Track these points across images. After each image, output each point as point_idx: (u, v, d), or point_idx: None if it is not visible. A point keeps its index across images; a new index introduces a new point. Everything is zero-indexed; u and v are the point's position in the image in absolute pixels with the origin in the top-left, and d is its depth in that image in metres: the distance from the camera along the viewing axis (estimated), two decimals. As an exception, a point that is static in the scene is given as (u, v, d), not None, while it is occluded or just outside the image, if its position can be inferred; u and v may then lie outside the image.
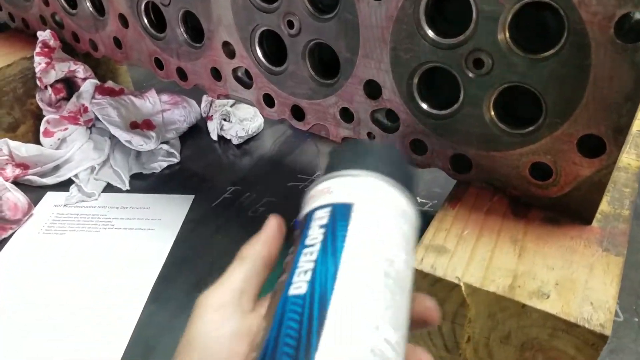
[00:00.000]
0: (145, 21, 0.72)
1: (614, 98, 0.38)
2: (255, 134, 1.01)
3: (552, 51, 0.39)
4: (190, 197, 0.83)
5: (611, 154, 0.40)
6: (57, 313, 0.66)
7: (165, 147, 0.93)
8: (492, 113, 0.45)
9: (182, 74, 0.73)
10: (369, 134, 0.57)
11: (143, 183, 0.88)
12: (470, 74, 0.44)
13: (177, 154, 0.94)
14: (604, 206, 0.48)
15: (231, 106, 1.01)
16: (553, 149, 0.43)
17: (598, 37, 0.36)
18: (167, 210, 0.80)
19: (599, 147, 0.41)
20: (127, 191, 0.85)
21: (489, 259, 0.42)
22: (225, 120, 0.99)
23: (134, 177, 0.88)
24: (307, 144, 0.98)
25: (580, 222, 0.46)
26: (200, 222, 0.78)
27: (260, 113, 0.68)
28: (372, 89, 0.53)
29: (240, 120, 0.99)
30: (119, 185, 0.85)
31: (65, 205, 0.82)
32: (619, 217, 0.47)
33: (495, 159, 0.48)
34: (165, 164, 0.92)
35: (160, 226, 0.77)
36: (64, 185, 0.86)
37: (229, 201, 0.83)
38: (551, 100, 0.41)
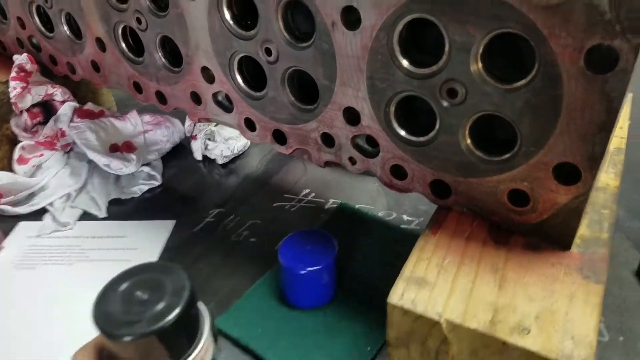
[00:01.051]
0: (123, 45, 0.73)
1: (587, 128, 0.38)
2: (241, 152, 1.01)
3: (524, 81, 0.40)
4: (171, 223, 0.83)
5: (586, 182, 0.41)
6: (25, 352, 0.64)
7: (146, 169, 0.93)
8: (468, 141, 0.46)
9: (161, 97, 0.73)
10: (351, 159, 0.58)
11: (121, 209, 0.87)
12: (445, 103, 0.45)
13: (159, 176, 0.94)
14: (583, 229, 0.49)
15: (216, 125, 1.02)
16: (530, 176, 0.44)
17: (569, 68, 0.37)
18: (145, 239, 0.80)
19: (575, 175, 0.42)
20: (104, 218, 0.85)
21: (469, 291, 0.43)
22: (209, 139, 1.00)
23: (112, 203, 0.88)
24: (294, 162, 0.98)
25: (560, 248, 0.47)
26: (179, 250, 0.78)
27: (243, 136, 0.69)
28: (351, 116, 0.54)
29: (225, 139, 1.00)
30: (95, 213, 0.85)
31: (38, 236, 0.81)
32: (598, 241, 0.47)
33: (473, 185, 0.48)
34: (145, 188, 0.91)
35: (137, 256, 0.77)
36: (38, 214, 0.85)
37: (212, 225, 0.83)
38: (525, 129, 0.42)
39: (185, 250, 0.79)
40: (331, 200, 0.87)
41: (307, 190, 0.90)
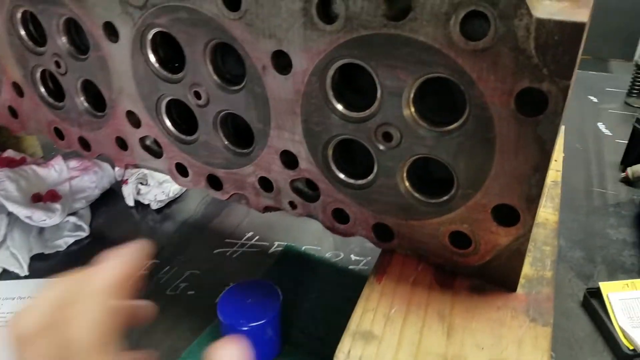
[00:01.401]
0: (42, 90, 0.69)
1: (522, 169, 0.39)
2: (177, 196, 0.98)
3: (456, 125, 0.40)
4: (102, 277, 0.78)
5: (526, 223, 0.41)
6: None
7: (72, 219, 0.88)
8: (407, 184, 0.46)
9: (84, 143, 0.70)
10: (291, 203, 0.56)
11: (45, 265, 0.81)
12: (381, 147, 0.44)
13: (86, 227, 0.88)
14: (526, 268, 0.49)
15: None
16: (469, 218, 0.44)
17: (500, 110, 0.37)
18: (74, 295, 0.74)
19: (514, 216, 0.42)
20: (26, 277, 0.78)
21: (418, 343, 0.42)
22: (142, 183, 0.96)
23: (35, 259, 0.82)
24: (235, 203, 0.95)
25: (505, 290, 0.47)
26: (112, 306, 0.73)
27: (175, 182, 0.66)
28: (289, 159, 0.52)
29: (159, 182, 0.96)
30: (16, 271, 0.78)
31: (-48, 299, 0.74)
32: (542, 280, 0.48)
33: (415, 228, 0.48)
34: (72, 240, 0.86)
35: (66, 315, 0.71)
36: (-47, 275, 0.79)
37: (146, 279, 0.78)
38: (461, 172, 0.42)
39: (117, 307, 0.74)
40: (276, 243, 0.85)
41: (250, 234, 0.87)
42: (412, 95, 0.41)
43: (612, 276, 0.78)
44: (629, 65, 2.55)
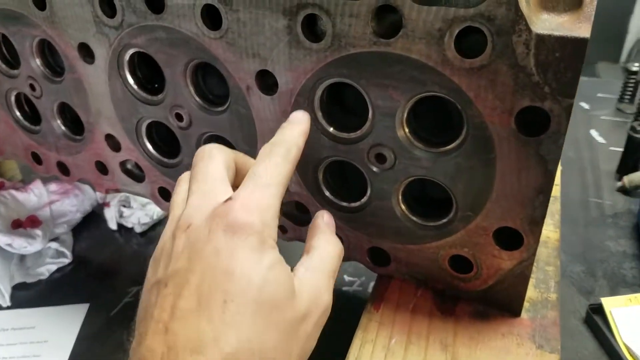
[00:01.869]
0: (17, 113, 0.67)
1: (525, 191, 0.37)
2: (161, 218, 0.95)
3: (453, 145, 0.38)
4: (85, 307, 0.75)
5: (530, 246, 0.40)
6: None
7: (54, 245, 0.85)
8: (403, 207, 0.44)
9: (63, 168, 0.67)
10: (281, 227, 0.54)
11: (28, 294, 0.78)
12: (374, 169, 0.43)
13: (69, 253, 0.86)
14: (530, 291, 0.47)
15: (131, 190, 0.95)
16: (470, 242, 0.42)
17: (499, 130, 0.35)
18: (56, 328, 0.72)
19: (517, 239, 0.40)
20: (8, 307, 0.75)
21: (418, 377, 0.40)
22: (124, 206, 0.93)
23: (17, 288, 0.79)
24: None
25: (509, 315, 0.45)
26: (96, 338, 0.70)
27: (158, 207, 0.64)
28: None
29: (143, 205, 0.94)
30: (-3, 302, 0.76)
31: None
32: (547, 304, 0.46)
33: (412, 252, 0.46)
34: (54, 267, 0.83)
35: (48, 351, 0.68)
36: None
37: (132, 307, 0.75)
38: (460, 194, 0.40)
39: (102, 338, 0.71)
40: (264, 265, 0.83)
41: (238, 256, 0.85)
42: (405, 115, 0.39)
43: (613, 290, 0.76)
44: (616, 67, 2.57)
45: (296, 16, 0.38)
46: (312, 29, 0.40)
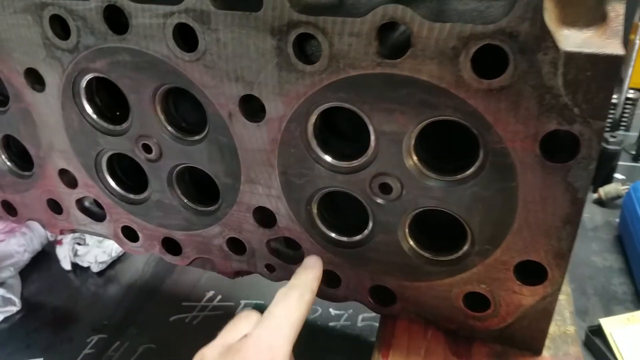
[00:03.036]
0: (-49, 148, 0.61)
1: (551, 221, 0.36)
2: (120, 255, 0.90)
3: (469, 172, 0.37)
4: (38, 363, 0.70)
5: (554, 280, 0.38)
6: None
7: (-1, 292, 0.80)
8: (411, 242, 0.42)
9: (9, 208, 0.63)
10: (268, 267, 0.51)
11: (-29, 351, 0.73)
12: (378, 200, 0.41)
13: (17, 299, 0.80)
14: (549, 325, 0.46)
15: (86, 224, 0.90)
16: (488, 277, 0.40)
17: (522, 157, 0.34)
18: (5, 391, 0.66)
19: (540, 273, 0.39)
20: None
21: None
22: (79, 244, 0.88)
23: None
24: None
25: (530, 353, 0.43)
26: (54, 401, 0.66)
27: (122, 248, 0.60)
28: (264, 217, 0.48)
29: (99, 241, 0.89)
30: None
31: None
32: (567, 338, 0.45)
33: (422, 290, 0.44)
34: (0, 317, 0.78)
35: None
36: None
37: (92, 359, 0.71)
38: (477, 226, 0.38)
39: (60, 399, 0.66)
40: (242, 303, 0.79)
41: (211, 293, 0.81)
42: (413, 141, 0.37)
43: (607, 308, 0.78)
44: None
45: (287, 36, 0.36)
46: (303, 49, 0.37)
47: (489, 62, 0.32)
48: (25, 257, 0.87)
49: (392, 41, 0.35)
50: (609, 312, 0.75)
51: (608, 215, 1.00)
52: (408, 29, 0.32)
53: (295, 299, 0.38)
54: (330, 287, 0.49)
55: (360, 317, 0.74)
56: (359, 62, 0.35)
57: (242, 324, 0.39)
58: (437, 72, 0.33)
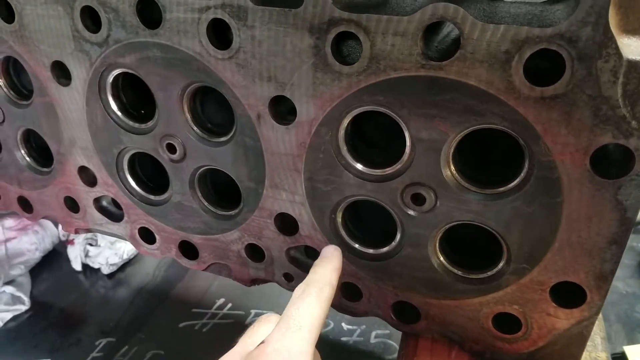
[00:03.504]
0: (-29, 141, 0.59)
1: (595, 241, 0.33)
2: (131, 257, 0.88)
3: (511, 186, 0.34)
4: (45, 365, 0.67)
5: (593, 304, 0.35)
6: None
7: (9, 289, 0.77)
8: (442, 257, 0.39)
9: (25, 204, 0.60)
10: (287, 275, 0.48)
11: (-23, 349, 0.70)
12: (410, 211, 0.38)
13: (26, 298, 0.77)
14: (579, 351, 0.42)
15: (99, 225, 0.88)
16: (521, 298, 0.37)
17: (570, 171, 0.31)
18: (9, 391, 0.63)
19: (579, 296, 0.35)
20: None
21: None
22: (91, 244, 0.85)
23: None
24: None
25: (560, 380, 0.40)
26: (58, 404, 0.62)
27: (138, 250, 0.57)
28: (286, 224, 0.45)
29: (112, 242, 0.86)
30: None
31: None
32: (600, 365, 0.41)
33: (449, 308, 0.41)
34: (9, 315, 0.75)
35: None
36: None
37: (100, 364, 0.68)
38: (515, 243, 0.35)
39: (65, 402, 0.63)
40: (253, 312, 0.76)
41: (221, 301, 0.78)
42: (453, 150, 0.34)
43: (630, 336, 0.74)
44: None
45: (326, 34, 0.33)
46: (340, 50, 0.35)
47: (540, 68, 0.30)
48: (37, 255, 0.84)
49: (436, 44, 0.32)
50: (632, 340, 0.72)
51: (631, 241, 0.96)
52: (458, 29, 0.29)
53: (314, 297, 0.34)
54: (350, 300, 0.46)
55: (373, 333, 0.71)
56: (401, 63, 0.32)
57: (262, 328, 0.36)
58: (486, 76, 0.30)
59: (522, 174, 0.33)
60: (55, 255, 0.88)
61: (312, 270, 0.37)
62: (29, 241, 0.84)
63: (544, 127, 0.30)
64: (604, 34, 0.27)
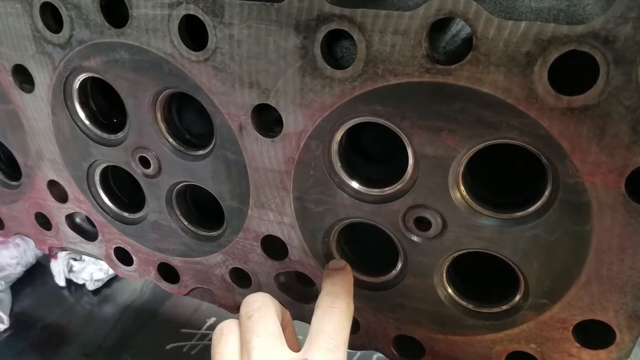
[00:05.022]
0: None
1: (629, 276, 0.28)
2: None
3: (531, 210, 0.29)
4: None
5: (623, 346, 0.31)
6: None
7: (-14, 308, 0.72)
8: (449, 289, 0.34)
9: (-5, 220, 0.55)
10: (276, 303, 0.44)
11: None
12: (413, 237, 0.33)
13: (5, 317, 0.73)
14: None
15: (84, 238, 0.83)
16: (540, 336, 0.33)
17: (602, 195, 0.26)
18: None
19: (607, 336, 0.31)
20: None
21: None
22: (75, 259, 0.81)
23: None
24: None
25: None
26: None
27: (114, 270, 0.52)
28: (274, 247, 0.41)
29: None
30: None
31: None
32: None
33: (457, 345, 0.36)
34: (-15, 336, 0.70)
35: None
36: None
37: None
38: (534, 276, 0.31)
39: None
40: (245, 332, 0.71)
41: (212, 320, 0.73)
42: (463, 168, 0.29)
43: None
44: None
45: (315, 33, 0.28)
46: (332, 51, 0.30)
47: (568, 73, 0.25)
48: (18, 270, 0.80)
49: (443, 44, 0.27)
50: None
51: None
52: (470, 27, 0.24)
53: (344, 315, 0.32)
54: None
55: (374, 356, 0.66)
56: (402, 67, 0.27)
57: (231, 339, 0.33)
58: (503, 83, 0.25)
59: (543, 198, 0.29)
60: (39, 269, 0.83)
61: (331, 281, 0.35)
62: (10, 255, 0.80)
63: (571, 144, 0.26)
64: (648, 33, 0.22)
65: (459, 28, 0.27)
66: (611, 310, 0.30)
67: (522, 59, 0.25)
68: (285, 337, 0.32)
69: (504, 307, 0.34)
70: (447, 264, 0.34)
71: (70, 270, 0.80)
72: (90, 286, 0.79)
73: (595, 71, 0.24)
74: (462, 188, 0.30)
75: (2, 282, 0.77)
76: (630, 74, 0.23)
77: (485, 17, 0.24)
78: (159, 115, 0.38)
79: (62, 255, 0.80)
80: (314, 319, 0.32)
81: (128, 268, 0.50)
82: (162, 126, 0.39)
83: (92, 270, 0.79)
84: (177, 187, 0.42)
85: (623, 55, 0.23)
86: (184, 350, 0.69)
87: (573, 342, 0.32)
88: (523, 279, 0.32)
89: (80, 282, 0.80)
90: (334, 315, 0.32)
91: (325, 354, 0.31)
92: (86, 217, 0.49)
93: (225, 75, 0.33)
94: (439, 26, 0.26)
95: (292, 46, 0.30)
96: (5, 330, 0.73)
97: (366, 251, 0.39)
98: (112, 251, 0.50)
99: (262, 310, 0.33)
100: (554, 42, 0.24)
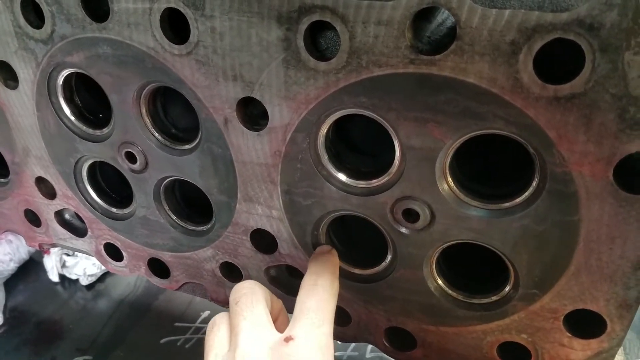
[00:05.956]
0: None
1: (618, 265, 0.28)
2: (112, 266, 0.83)
3: (519, 201, 0.29)
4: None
5: (614, 335, 0.31)
6: None
7: (-21, 305, 0.72)
8: (439, 280, 0.34)
9: (-16, 218, 0.55)
10: (267, 296, 0.43)
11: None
12: (402, 229, 0.33)
13: (-1, 314, 0.73)
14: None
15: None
16: (530, 326, 0.33)
17: (590, 184, 0.26)
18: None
19: (598, 325, 0.31)
20: None
21: None
22: (67, 254, 0.80)
23: None
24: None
25: (575, 417, 0.35)
26: None
27: (104, 266, 0.52)
28: (264, 241, 0.40)
29: (90, 251, 0.81)
30: None
31: None
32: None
33: (448, 336, 0.36)
34: (-21, 333, 0.70)
35: None
36: None
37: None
38: (523, 266, 0.31)
39: None
40: (239, 325, 0.71)
41: (206, 313, 0.73)
42: (450, 159, 0.29)
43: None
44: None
45: (297, 24, 0.28)
46: (316, 43, 0.30)
47: (551, 62, 0.24)
48: (11, 266, 0.79)
49: (427, 34, 0.27)
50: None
51: None
52: (454, 15, 0.24)
53: (327, 292, 0.33)
54: (337, 324, 0.40)
55: (369, 347, 0.66)
56: (386, 58, 0.27)
57: (221, 330, 0.33)
58: (488, 72, 0.25)
59: (531, 188, 0.28)
60: (32, 265, 0.83)
61: (315, 262, 0.35)
62: (3, 252, 0.79)
63: (558, 133, 0.25)
64: (634, 20, 0.22)
65: (444, 17, 0.27)
66: (602, 300, 0.30)
67: (506, 48, 0.24)
68: (277, 327, 0.33)
69: (495, 298, 0.33)
70: (437, 255, 0.34)
71: (64, 265, 0.80)
72: (84, 281, 0.79)
73: (582, 59, 0.23)
74: (450, 179, 0.30)
75: (-4, 279, 0.77)
76: (616, 61, 0.23)
77: (469, 6, 0.24)
78: (143, 110, 0.38)
79: (55, 251, 0.80)
80: (298, 298, 0.33)
81: (118, 264, 0.50)
82: (147, 121, 0.38)
83: (85, 266, 0.78)
84: (165, 182, 0.42)
85: (609, 43, 0.23)
86: (178, 344, 0.69)
87: (564, 332, 0.32)
88: (513, 270, 0.31)
89: (73, 277, 0.80)
90: (317, 291, 0.33)
91: (309, 329, 0.31)
92: (75, 213, 0.49)
93: (208, 69, 0.32)
94: (424, 15, 0.26)
95: (274, 38, 0.29)
96: (2, 326, 0.73)
97: (356, 243, 0.38)
98: (102, 247, 0.49)
99: (249, 295, 0.33)
100: (538, 30, 0.23)
